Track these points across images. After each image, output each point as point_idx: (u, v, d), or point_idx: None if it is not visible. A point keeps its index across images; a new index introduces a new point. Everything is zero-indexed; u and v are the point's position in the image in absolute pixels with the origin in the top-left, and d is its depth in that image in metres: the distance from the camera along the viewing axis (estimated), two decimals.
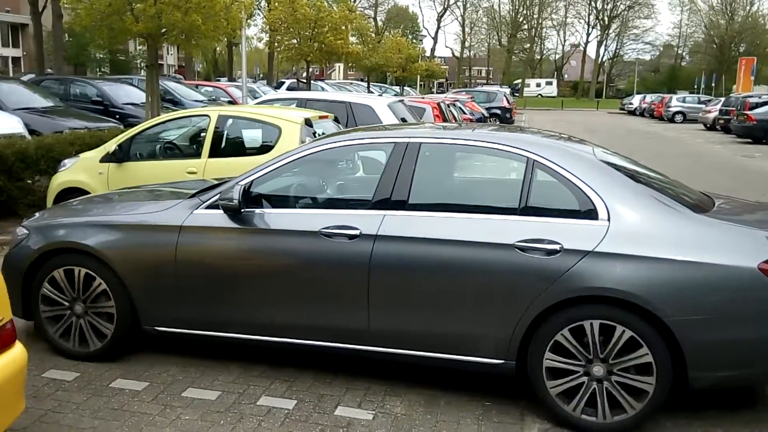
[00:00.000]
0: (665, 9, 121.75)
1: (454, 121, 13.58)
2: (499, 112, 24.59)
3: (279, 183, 3.94)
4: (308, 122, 6.31)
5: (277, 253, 3.59)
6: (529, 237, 3.20)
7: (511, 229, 3.27)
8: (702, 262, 3.05)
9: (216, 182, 4.32)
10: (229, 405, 3.41)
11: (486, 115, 19.63)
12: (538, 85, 72.67)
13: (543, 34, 78.49)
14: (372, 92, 27.38)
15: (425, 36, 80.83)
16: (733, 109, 24.58)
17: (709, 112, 29.19)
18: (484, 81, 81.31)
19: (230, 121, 6.53)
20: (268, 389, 3.59)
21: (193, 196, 3.90)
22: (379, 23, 68.27)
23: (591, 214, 3.22)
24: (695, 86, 58.33)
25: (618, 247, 3.11)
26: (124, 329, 3.81)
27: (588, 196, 3.25)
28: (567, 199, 3.32)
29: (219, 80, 36.34)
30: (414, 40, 65.36)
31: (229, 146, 6.45)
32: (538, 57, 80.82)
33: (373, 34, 44.09)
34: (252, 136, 6.50)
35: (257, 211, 3.68)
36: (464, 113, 16.46)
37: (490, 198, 3.80)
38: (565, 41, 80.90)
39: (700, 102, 35.36)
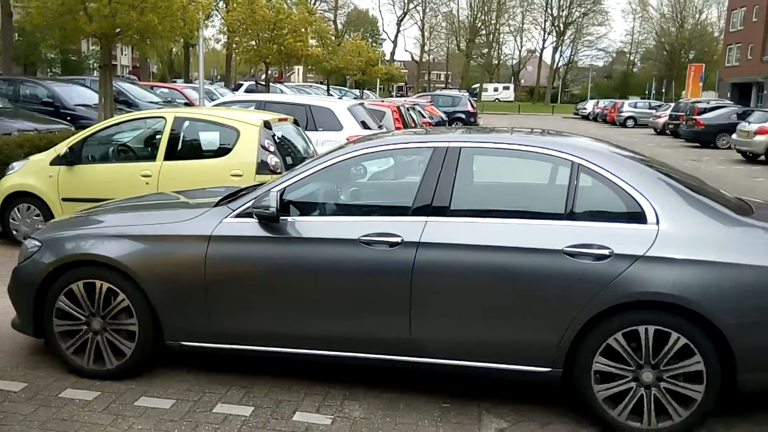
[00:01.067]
0: (618, 16, 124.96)
1: (413, 124, 13.65)
2: (463, 116, 24.86)
3: (313, 189, 3.85)
4: (267, 125, 6.26)
5: (315, 262, 3.44)
6: (578, 242, 3.18)
7: (559, 234, 3.23)
8: (752, 264, 3.07)
9: (240, 189, 4.21)
10: (183, 413, 3.34)
11: (445, 118, 19.80)
12: (496, 89, 73.67)
13: (500, 40, 79.81)
14: (332, 95, 27.31)
15: (385, 39, 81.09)
16: (683, 114, 25.39)
17: (659, 117, 30.12)
18: (443, 85, 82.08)
19: (187, 123, 6.43)
20: (225, 396, 3.54)
21: (218, 204, 3.77)
22: (339, 26, 68.15)
23: (639, 217, 3.21)
24: (646, 92, 60.18)
25: (668, 251, 3.10)
26: (147, 345, 3.65)
27: (636, 200, 3.24)
28: (614, 203, 3.31)
29: (175, 82, 35.69)
30: (374, 44, 65.43)
31: (185, 149, 6.34)
32: (496, 62, 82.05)
33: (333, 37, 44.05)
34: (209, 139, 6.41)
35: (293, 219, 3.56)
36: (423, 117, 16.57)
37: (535, 203, 3.72)
38: (522, 47, 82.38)
39: (650, 107, 36.48)
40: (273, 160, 6.05)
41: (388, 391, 3.62)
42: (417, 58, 78.76)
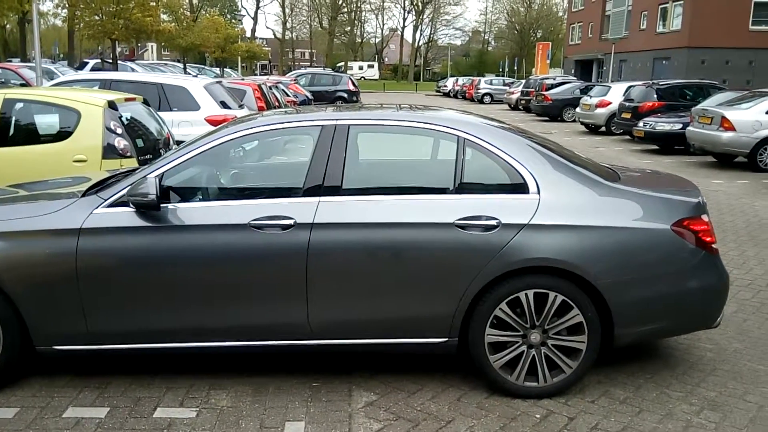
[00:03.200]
0: None
1: (276, 103, 13.35)
2: (345, 95, 24.46)
3: (195, 173, 3.59)
4: (112, 105, 5.79)
5: (203, 250, 3.24)
6: (468, 214, 3.25)
7: (449, 207, 3.28)
8: (623, 226, 3.29)
9: (107, 176, 3.80)
10: (29, 421, 3.04)
11: (310, 97, 19.55)
12: (361, 68, 74.17)
13: (363, 18, 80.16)
14: (189, 73, 26.02)
15: (245, 16, 78.44)
16: (533, 90, 27.05)
17: (513, 93, 31.86)
18: (308, 63, 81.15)
19: (19, 105, 5.81)
20: (76, 399, 3.27)
21: (86, 193, 3.41)
22: (195, 1, 64.96)
23: (522, 188, 3.34)
24: (500, 69, 63.33)
25: (550, 219, 3.26)
26: (12, 353, 3.25)
27: (518, 171, 3.36)
28: (499, 176, 3.41)
29: (10, 61, 32.26)
30: (233, 20, 63.12)
31: (18, 134, 5.74)
32: (359, 40, 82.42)
33: (188, 12, 41.87)
34: (47, 122, 5.82)
35: (175, 206, 3.31)
36: (288, 96, 16.26)
37: (425, 178, 3.74)
38: (383, 25, 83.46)
39: (504, 84, 38.41)
40: (121, 143, 5.63)
41: (257, 376, 3.52)
42: (279, 36, 77.16)
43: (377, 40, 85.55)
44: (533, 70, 51.96)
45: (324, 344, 3.38)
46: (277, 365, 3.63)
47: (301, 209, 3.27)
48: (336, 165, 3.36)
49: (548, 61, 50.42)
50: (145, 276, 3.26)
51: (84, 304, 3.25)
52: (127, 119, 5.97)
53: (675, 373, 3.66)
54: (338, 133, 3.43)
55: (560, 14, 72.90)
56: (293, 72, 31.76)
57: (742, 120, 11.81)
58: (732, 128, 11.82)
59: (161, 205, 3.23)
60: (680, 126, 13.72)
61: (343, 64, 70.64)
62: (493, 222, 3.24)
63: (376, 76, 73.95)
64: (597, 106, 19.19)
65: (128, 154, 5.61)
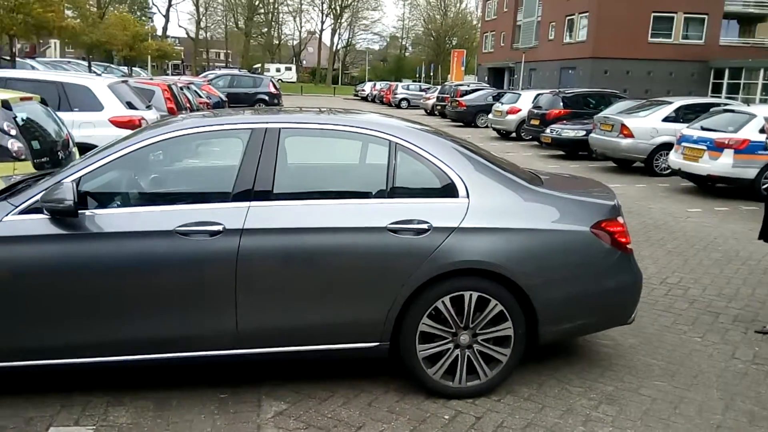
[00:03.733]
0: (390, 2, 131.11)
1: (188, 105, 12.95)
2: (266, 97, 23.88)
3: (115, 178, 3.40)
4: (6, 104, 5.44)
5: (125, 259, 3.07)
6: (400, 218, 3.26)
7: (381, 212, 3.28)
8: (547, 229, 3.41)
9: (18, 182, 3.55)
10: None
11: (224, 99, 19.08)
12: (278, 70, 73.17)
13: (280, 19, 79.41)
14: (94, 72, 24.82)
15: (156, 14, 75.70)
16: (448, 96, 27.62)
17: (429, 99, 32.44)
18: (223, 64, 79.36)
19: None
20: None
21: None
22: None
23: (452, 192, 3.39)
24: (417, 75, 64.32)
25: (479, 222, 3.32)
26: None
27: (448, 176, 3.41)
28: (430, 180, 3.43)
29: None
30: (143, 18, 60.76)
31: None
32: (277, 42, 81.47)
33: (94, 8, 39.96)
34: None
35: (94, 212, 3.11)
36: (200, 97, 15.82)
37: (357, 182, 3.69)
38: (301, 27, 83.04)
39: (421, 90, 39.11)
40: (15, 145, 5.29)
41: (159, 390, 3.38)
42: (193, 35, 75.01)
43: (295, 42, 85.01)
44: (449, 76, 53.13)
45: (254, 353, 3.29)
46: (181, 377, 3.51)
47: (231, 215, 3.17)
48: (267, 169, 3.29)
49: (463, 68, 51.72)
50: (62, 287, 3.06)
51: None
52: (22, 120, 5.61)
53: (575, 370, 3.82)
54: (269, 136, 3.36)
55: (474, 23, 75.08)
56: (208, 72, 30.93)
57: (640, 127, 12.55)
58: (631, 135, 12.53)
59: (79, 211, 3.04)
60: (584, 133, 14.41)
61: (259, 65, 69.59)
62: (425, 226, 3.26)
63: (294, 79, 73.32)
64: (508, 112, 19.84)
65: (23, 156, 5.28)
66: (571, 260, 3.45)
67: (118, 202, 3.38)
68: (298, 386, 3.50)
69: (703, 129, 10.60)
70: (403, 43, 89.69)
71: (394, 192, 3.39)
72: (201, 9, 73.23)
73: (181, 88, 13.41)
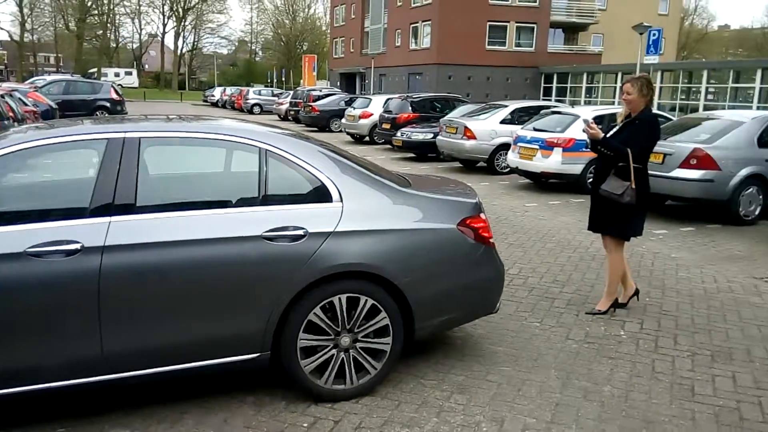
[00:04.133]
0: (236, 6, 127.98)
1: (11, 114, 11.75)
2: (108, 104, 22.05)
3: None
4: None
5: None
6: (275, 226, 3.22)
7: (255, 220, 3.22)
8: (418, 228, 3.55)
9: None
10: None
11: (54, 106, 17.53)
12: (117, 74, 68.69)
13: (117, 21, 74.58)
14: None
15: None
16: (301, 101, 27.57)
17: (282, 104, 32.15)
18: (54, 69, 73.09)
19: None
20: None
21: None
22: None
23: (326, 197, 3.40)
24: (268, 80, 63.55)
25: (354, 225, 3.36)
26: None
27: (321, 181, 3.41)
28: (303, 186, 3.42)
29: None
30: None
31: None
32: (114, 45, 76.49)
33: None
34: None
35: None
36: (26, 105, 14.41)
37: (228, 191, 3.50)
38: (141, 30, 78.57)
39: (273, 95, 38.64)
40: None
41: None
42: (17, 38, 68.25)
43: (135, 45, 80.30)
44: (301, 81, 53.04)
45: (125, 377, 3.07)
46: (14, 412, 3.17)
47: (89, 231, 2.95)
48: (128, 181, 3.09)
49: (315, 73, 51.91)
50: None
51: None
52: None
53: (430, 363, 3.97)
54: (128, 146, 3.16)
55: (324, 28, 75.61)
56: (37, 78, 28.31)
57: (481, 129, 13.35)
58: (473, 137, 13.29)
59: None
60: (432, 135, 15.05)
61: (95, 70, 64.91)
62: (301, 232, 3.25)
63: (136, 84, 69.30)
64: (360, 117, 20.21)
65: None
66: (442, 257, 3.61)
67: None
68: (146, 411, 3.30)
69: (535, 130, 11.50)
70: (253, 47, 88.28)
71: (267, 199, 3.34)
72: (26, 10, 66.87)
73: (3, 96, 12.14)
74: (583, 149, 10.84)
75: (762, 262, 6.73)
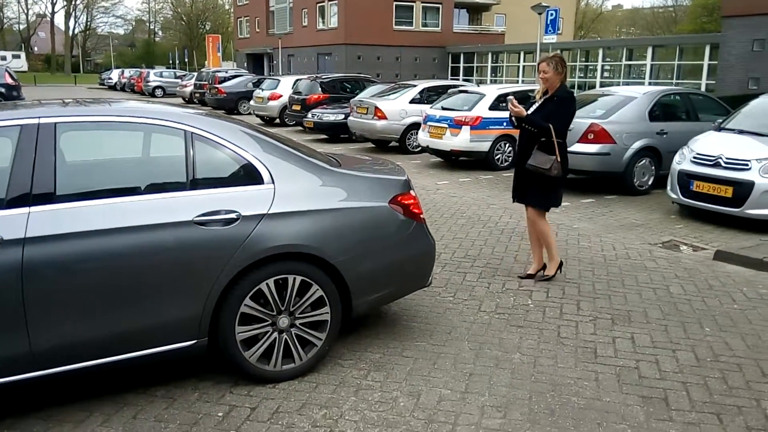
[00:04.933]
0: None
1: None
2: (2, 90, 20.28)
3: None
4: None
5: None
6: (206, 210, 3.16)
7: (185, 205, 3.14)
8: (351, 207, 3.56)
9: None
10: None
11: None
12: (3, 58, 63.65)
13: (1, 1, 68.99)
14: None
15: None
16: (206, 83, 26.64)
17: (186, 86, 30.94)
18: None
19: None
20: None
21: None
22: None
23: (257, 179, 3.35)
24: (170, 61, 60.98)
25: (287, 206, 3.34)
26: None
27: (251, 164, 3.36)
28: (232, 169, 3.37)
29: None
30: None
31: None
32: None
33: None
34: None
35: None
36: None
37: (154, 176, 3.37)
38: (28, 10, 73.07)
39: (176, 77, 37.13)
40: None
41: None
42: None
43: (22, 26, 74.65)
44: (205, 62, 51.24)
45: (57, 372, 2.94)
46: None
47: (7, 223, 2.81)
48: (45, 169, 2.94)
49: (220, 54, 50.23)
50: None
51: None
52: None
53: (346, 343, 3.97)
54: (43, 132, 3.00)
55: (227, 7, 73.19)
56: None
57: (392, 109, 13.41)
58: (384, 117, 13.33)
59: None
60: (343, 116, 14.97)
61: None
62: (233, 215, 3.21)
63: (25, 68, 64.54)
64: (269, 98, 19.79)
65: None
66: (375, 234, 3.66)
67: None
68: (48, 412, 3.12)
69: (443, 109, 11.69)
70: (152, 27, 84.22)
71: (196, 183, 3.26)
72: None
73: None
74: (490, 127, 11.15)
75: (656, 229, 7.19)
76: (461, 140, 11.07)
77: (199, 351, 3.27)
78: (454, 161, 12.05)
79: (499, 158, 11.39)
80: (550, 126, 4.83)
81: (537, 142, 4.95)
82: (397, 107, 13.46)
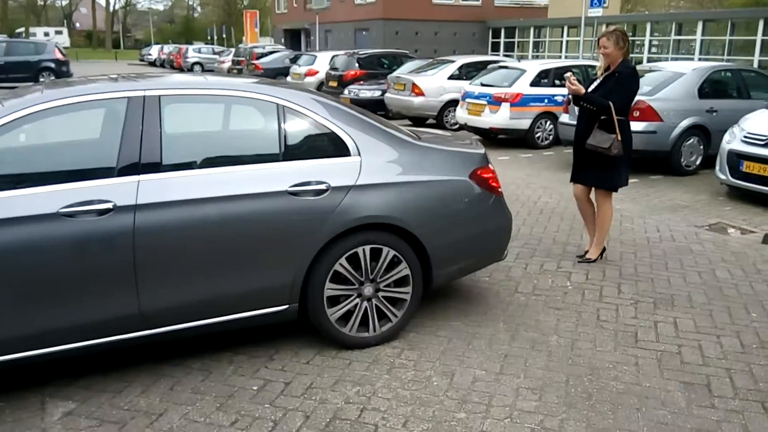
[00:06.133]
0: None
1: None
2: (53, 66, 20.85)
3: None
4: None
5: (7, 249, 2.76)
6: (298, 180, 3.27)
7: (279, 175, 3.27)
8: (434, 180, 3.64)
9: None
10: None
11: None
12: (47, 34, 64.93)
13: None
14: None
15: None
16: (244, 59, 26.73)
17: (224, 62, 31.12)
18: None
19: None
20: None
21: None
22: None
23: (344, 152, 3.46)
24: (209, 37, 61.37)
25: (373, 178, 3.44)
26: None
27: (339, 136, 3.47)
28: (322, 141, 3.48)
29: None
30: None
31: None
32: (42, 3, 72.22)
33: None
34: None
35: None
36: None
37: (250, 148, 3.50)
38: None
39: (215, 53, 37.36)
40: None
41: None
42: None
43: (65, 3, 76.03)
44: (243, 38, 51.41)
45: (161, 332, 3.13)
46: None
47: (120, 191, 2.97)
48: (152, 139, 3.09)
49: (257, 30, 50.29)
50: None
51: None
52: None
53: None
54: (149, 104, 3.14)
55: None
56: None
57: (429, 86, 13.24)
58: (422, 93, 13.18)
59: None
60: (380, 93, 14.84)
61: (23, 30, 61.33)
62: (323, 186, 3.32)
63: (67, 44, 65.75)
64: (306, 75, 19.74)
65: None
66: (456, 207, 3.73)
67: None
68: (88, 382, 3.19)
69: (482, 85, 11.48)
70: (191, 2, 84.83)
71: (288, 155, 3.38)
72: None
73: None
74: (531, 104, 10.91)
75: (703, 211, 6.95)
76: (500, 117, 10.87)
77: (290, 316, 3.42)
78: (492, 139, 11.85)
79: (539, 136, 11.16)
80: (611, 103, 4.69)
81: (597, 121, 4.81)
82: (434, 83, 13.28)
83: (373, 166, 3.48)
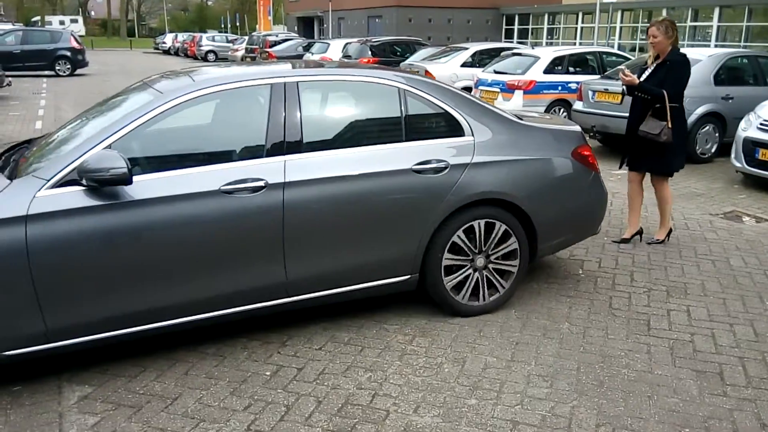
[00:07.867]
0: None
1: None
2: (68, 53, 21.07)
3: (147, 142, 3.23)
4: None
5: (176, 223, 3.05)
6: (421, 159, 3.55)
7: (404, 155, 3.55)
8: (540, 157, 3.90)
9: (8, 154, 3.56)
10: None
11: None
12: (62, 22, 65.24)
13: None
14: None
15: None
16: (257, 47, 26.75)
17: (237, 50, 31.15)
18: None
19: None
20: None
21: (11, 175, 3.02)
22: None
23: (459, 131, 3.74)
24: (222, 25, 61.39)
25: (486, 156, 3.71)
26: None
27: (454, 117, 3.74)
28: (439, 122, 3.76)
29: None
30: None
31: None
32: None
33: None
34: None
35: (143, 178, 3.02)
36: None
37: (377, 129, 3.76)
38: None
39: (228, 41, 37.39)
40: None
41: None
42: None
43: None
44: (256, 26, 51.36)
45: (302, 299, 3.43)
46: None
47: (270, 169, 3.25)
48: (294, 122, 3.37)
49: (270, 18, 50.24)
50: (114, 259, 2.97)
51: (39, 301, 2.86)
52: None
53: (391, 308, 3.97)
54: (289, 90, 3.42)
55: None
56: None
57: (442, 73, 13.15)
58: None
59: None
60: None
61: (39, 18, 61.70)
62: (443, 164, 3.59)
63: (82, 32, 66.09)
64: None
65: None
66: (560, 183, 4.00)
67: (158, 166, 3.16)
68: (103, 367, 3.24)
69: (496, 72, 11.40)
70: None
71: (410, 135, 3.64)
72: None
73: None
74: (544, 91, 10.83)
75: (718, 199, 6.89)
76: (514, 105, 10.79)
77: (410, 286, 3.71)
78: None
79: None
80: (663, 92, 4.83)
81: (651, 109, 4.93)
82: (447, 71, 13.22)
83: (485, 145, 3.74)
